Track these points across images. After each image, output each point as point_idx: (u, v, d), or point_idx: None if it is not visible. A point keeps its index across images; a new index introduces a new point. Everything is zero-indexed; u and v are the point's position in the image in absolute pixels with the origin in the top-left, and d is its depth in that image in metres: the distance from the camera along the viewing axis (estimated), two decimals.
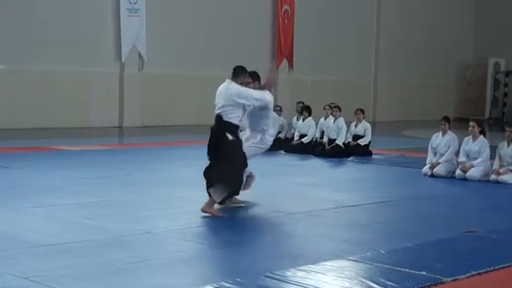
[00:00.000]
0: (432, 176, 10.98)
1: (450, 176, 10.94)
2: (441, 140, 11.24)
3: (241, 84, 7.69)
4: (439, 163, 11.05)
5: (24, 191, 8.50)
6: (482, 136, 10.88)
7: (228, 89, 7.60)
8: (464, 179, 10.64)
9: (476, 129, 10.83)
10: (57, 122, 18.14)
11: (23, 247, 5.80)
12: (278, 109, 15.07)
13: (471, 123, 10.94)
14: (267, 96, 7.78)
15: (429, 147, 11.37)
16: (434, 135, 11.38)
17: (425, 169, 11.14)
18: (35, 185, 8.89)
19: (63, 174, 9.90)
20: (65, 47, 18.28)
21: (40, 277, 4.91)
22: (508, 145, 10.54)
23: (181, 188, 9.05)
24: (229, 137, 7.37)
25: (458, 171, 10.81)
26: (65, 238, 6.11)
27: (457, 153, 11.11)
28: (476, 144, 10.79)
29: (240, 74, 7.78)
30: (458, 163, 10.98)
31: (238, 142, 7.51)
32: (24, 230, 6.40)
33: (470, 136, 10.89)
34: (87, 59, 18.77)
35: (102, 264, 5.36)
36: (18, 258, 5.45)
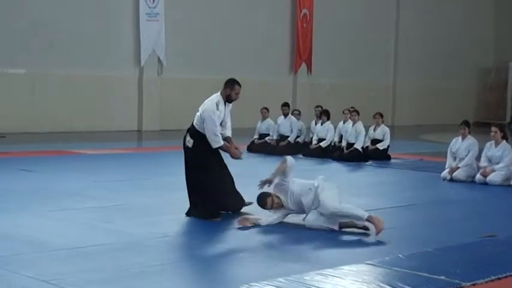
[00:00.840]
0: (451, 180, 10.92)
1: (470, 181, 10.87)
2: (461, 145, 11.17)
3: (227, 95, 7.64)
4: (458, 167, 10.99)
5: (44, 194, 8.57)
6: (504, 141, 10.81)
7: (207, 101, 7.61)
8: (485, 184, 10.57)
9: (499, 135, 10.75)
10: (77, 126, 18.28)
11: (42, 251, 5.85)
12: (297, 113, 15.09)
13: (493, 129, 10.85)
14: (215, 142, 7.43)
15: (448, 151, 11.30)
16: (454, 140, 11.31)
17: (445, 173, 11.08)
18: (55, 189, 8.96)
19: (82, 178, 9.97)
20: (85, 52, 18.43)
21: (59, 280, 4.95)
22: None
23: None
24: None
25: (478, 176, 10.73)
26: (84, 242, 6.16)
27: (477, 158, 11.04)
28: (499, 150, 10.71)
29: (225, 86, 7.75)
30: (478, 168, 10.90)
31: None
32: (44, 234, 6.46)
33: (493, 141, 10.81)
34: (106, 63, 18.90)
35: (121, 267, 5.39)
36: (37, 262, 5.50)
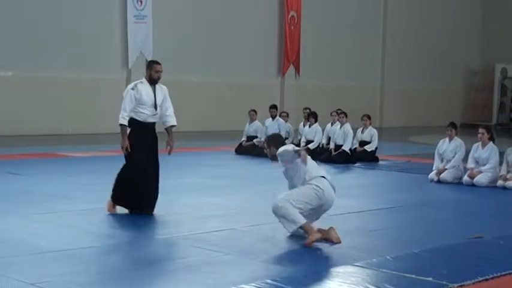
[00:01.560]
0: (439, 181, 10.97)
1: (457, 182, 10.92)
2: (448, 146, 11.22)
3: (149, 76, 7.68)
4: (445, 169, 11.04)
5: (32, 197, 8.54)
6: (491, 143, 10.86)
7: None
8: (472, 185, 10.62)
9: (486, 136, 10.81)
10: (64, 128, 18.20)
11: (30, 253, 5.82)
12: (285, 115, 15.12)
13: (481, 130, 10.91)
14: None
15: (436, 153, 11.35)
16: (441, 141, 11.36)
17: (432, 175, 11.13)
18: (43, 192, 8.92)
19: (69, 181, 9.93)
20: (72, 54, 18.36)
21: (47, 283, 4.93)
22: None
23: (185, 194, 9.06)
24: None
25: (465, 178, 10.79)
26: (72, 244, 6.13)
27: (464, 159, 11.09)
28: (486, 151, 10.77)
29: (146, 69, 7.81)
30: (465, 169, 10.96)
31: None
32: (32, 236, 6.43)
33: (480, 143, 10.87)
34: (94, 65, 18.84)
35: (107, 270, 5.37)
36: (25, 265, 5.48)
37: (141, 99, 7.56)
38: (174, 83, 20.48)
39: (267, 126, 14.82)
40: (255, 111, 15.11)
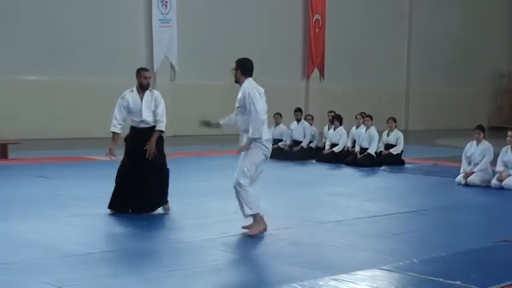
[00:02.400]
0: (466, 185, 10.88)
1: (484, 186, 10.82)
2: (475, 149, 11.13)
3: (139, 83, 8.00)
4: (473, 172, 10.94)
5: (59, 201, 8.62)
6: None
7: None
8: (500, 188, 10.52)
9: None
10: (92, 132, 18.37)
11: (58, 256, 5.89)
12: (310, 118, 15.09)
13: (510, 133, 10.78)
14: None
15: (463, 156, 11.26)
16: (469, 144, 11.27)
17: (459, 178, 11.04)
18: (70, 195, 9.01)
19: (98, 184, 10.01)
20: (98, 58, 18.54)
21: (75, 286, 4.97)
22: None
23: (212, 198, 9.09)
24: None
25: (494, 181, 10.69)
26: (100, 247, 6.19)
27: (493, 162, 10.99)
28: None
29: (136, 77, 8.08)
30: (493, 172, 10.85)
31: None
32: (59, 240, 6.49)
33: (509, 146, 10.76)
34: (119, 69, 18.98)
35: (135, 272, 5.41)
36: (53, 267, 5.54)
37: (129, 107, 8.05)
38: (199, 86, 20.65)
39: (292, 129, 14.81)
40: (280, 114, 15.11)
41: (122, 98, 8.10)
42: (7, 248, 6.14)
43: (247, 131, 7.01)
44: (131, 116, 8.04)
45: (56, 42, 17.76)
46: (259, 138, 6.87)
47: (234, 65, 7.26)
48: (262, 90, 7.16)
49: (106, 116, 18.93)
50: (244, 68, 7.21)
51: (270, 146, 7.08)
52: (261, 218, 6.91)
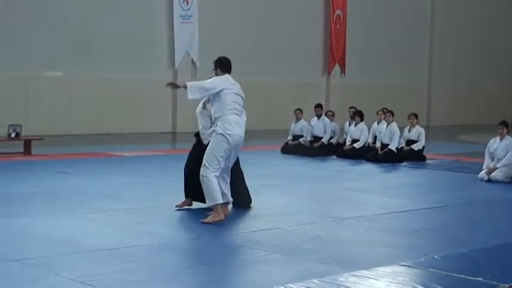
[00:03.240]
0: (489, 181, 10.80)
1: (508, 181, 10.73)
2: (499, 145, 11.03)
3: None
4: (496, 168, 10.85)
5: (82, 196, 8.69)
6: None
7: None
8: None
9: None
10: (113, 128, 18.50)
11: (80, 252, 5.94)
12: (330, 114, 15.05)
13: None
14: None
15: (486, 152, 11.17)
16: (492, 140, 11.18)
17: (482, 174, 10.95)
18: (92, 191, 9.08)
19: (118, 180, 10.09)
20: (119, 54, 18.63)
21: (96, 281, 5.01)
22: None
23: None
24: None
25: None
26: (121, 243, 6.23)
27: None
28: None
29: None
30: None
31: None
32: (82, 235, 6.55)
33: None
34: (141, 65, 19.09)
35: (157, 268, 5.44)
36: (75, 263, 5.58)
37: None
38: None
39: (312, 125, 14.78)
40: (300, 110, 15.09)
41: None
42: (29, 243, 6.21)
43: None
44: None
45: (77, 39, 17.88)
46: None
47: (212, 65, 7.58)
48: (238, 84, 7.55)
49: (125, 112, 19.21)
50: (223, 66, 7.52)
51: (233, 136, 7.23)
52: (222, 208, 7.22)
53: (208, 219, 7.14)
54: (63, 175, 10.53)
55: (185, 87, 7.26)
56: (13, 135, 13.14)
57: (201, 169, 7.20)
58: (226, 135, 7.20)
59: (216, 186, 7.19)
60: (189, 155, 8.12)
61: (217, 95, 7.32)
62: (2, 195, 8.55)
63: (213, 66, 7.60)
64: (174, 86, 7.62)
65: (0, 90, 16.90)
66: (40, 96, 17.44)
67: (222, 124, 7.23)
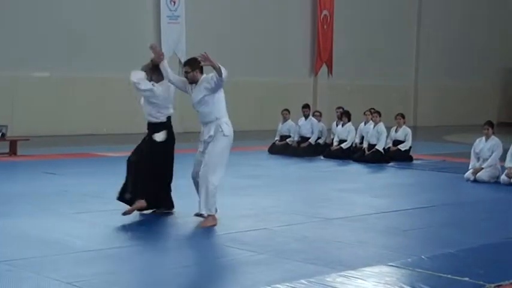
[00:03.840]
0: (475, 181, 10.84)
1: (494, 182, 10.79)
2: (485, 145, 11.08)
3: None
4: (482, 168, 10.90)
5: (67, 197, 8.65)
6: None
7: None
8: (510, 184, 10.47)
9: None
10: (100, 128, 18.42)
11: (66, 253, 5.90)
12: (318, 114, 15.06)
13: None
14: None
15: (472, 152, 11.23)
16: (478, 140, 11.23)
17: (468, 174, 11.00)
18: (78, 191, 9.03)
19: (105, 181, 10.04)
20: (107, 54, 18.56)
21: (83, 282, 4.98)
22: None
23: (218, 194, 9.07)
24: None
25: (503, 177, 10.64)
26: (108, 244, 6.20)
27: (502, 158, 10.94)
28: None
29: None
30: (503, 168, 10.81)
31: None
32: (68, 236, 6.51)
33: None
34: (128, 65, 18.95)
35: (142, 270, 5.42)
36: (62, 264, 5.55)
37: None
38: None
39: (300, 125, 14.79)
40: (288, 110, 15.10)
41: None
42: (15, 244, 6.17)
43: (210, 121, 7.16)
44: None
45: (63, 38, 17.79)
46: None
47: (186, 67, 7.43)
48: None
49: (112, 113, 19.13)
50: (200, 67, 7.37)
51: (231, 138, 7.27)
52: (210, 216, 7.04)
53: (207, 223, 6.89)
54: (49, 176, 10.47)
55: (219, 68, 6.98)
56: None
57: (212, 177, 6.85)
58: (231, 137, 7.10)
59: (215, 195, 6.93)
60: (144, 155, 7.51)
61: (221, 93, 7.25)
62: None
63: (189, 68, 7.32)
64: (209, 62, 7.14)
65: None
66: (26, 96, 17.33)
67: (227, 125, 7.10)
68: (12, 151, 12.96)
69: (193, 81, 7.32)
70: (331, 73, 23.67)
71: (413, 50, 26.36)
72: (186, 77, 7.36)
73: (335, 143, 14.20)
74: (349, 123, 14.26)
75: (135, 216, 7.51)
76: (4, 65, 16.89)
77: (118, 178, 10.33)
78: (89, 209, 7.81)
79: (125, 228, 6.92)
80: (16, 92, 17.21)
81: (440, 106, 26.45)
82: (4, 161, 12.34)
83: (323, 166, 13.00)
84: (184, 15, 19.81)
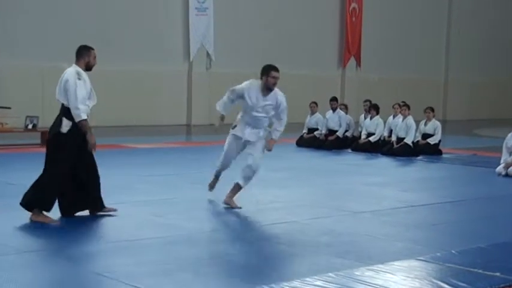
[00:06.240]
0: (507, 175, 10.70)
1: None
2: None
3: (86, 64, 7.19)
4: None
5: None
6: None
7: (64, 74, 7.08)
8: None
9: None
10: (127, 120, 18.54)
11: (96, 243, 5.95)
12: (343, 107, 14.99)
13: None
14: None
15: (504, 146, 11.07)
16: (510, 134, 11.08)
17: (500, 168, 10.86)
18: (106, 183, 9.05)
19: (133, 172, 10.10)
20: (134, 47, 18.66)
21: (112, 273, 5.01)
22: None
23: (247, 186, 9.07)
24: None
25: None
26: (137, 235, 6.23)
27: None
28: None
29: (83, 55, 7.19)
30: None
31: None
32: (97, 227, 6.57)
33: None
34: (156, 57, 19.10)
35: (172, 260, 5.43)
36: (91, 255, 5.59)
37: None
38: (234, 75, 20.61)
39: (327, 118, 14.73)
40: (315, 103, 15.04)
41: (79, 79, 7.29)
42: (47, 233, 6.21)
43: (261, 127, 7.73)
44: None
45: (91, 31, 17.90)
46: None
47: (277, 74, 7.76)
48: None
49: (140, 104, 19.22)
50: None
51: None
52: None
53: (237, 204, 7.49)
54: None
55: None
56: (30, 126, 13.19)
57: (260, 161, 7.60)
58: None
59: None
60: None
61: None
62: (19, 186, 8.58)
63: (278, 76, 7.73)
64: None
65: (18, 81, 16.98)
66: (54, 87, 17.46)
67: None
68: (44, 142, 13.09)
69: (271, 89, 7.63)
70: (360, 66, 23.52)
71: (444, 42, 26.08)
72: (275, 83, 7.63)
73: (363, 136, 14.12)
74: (377, 116, 14.16)
75: (164, 207, 7.54)
76: (35, 56, 17.06)
77: (146, 169, 10.40)
78: (116, 201, 7.82)
79: (154, 220, 6.94)
80: (46, 83, 17.38)
81: (471, 100, 26.14)
82: (35, 151, 12.47)
83: (351, 159, 12.92)
84: (212, 7, 19.82)
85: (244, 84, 7.75)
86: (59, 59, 17.56)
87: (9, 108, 14.21)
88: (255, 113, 7.65)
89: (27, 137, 13.25)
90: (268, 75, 7.56)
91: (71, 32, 17.58)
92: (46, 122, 14.92)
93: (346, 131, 14.59)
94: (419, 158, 13.01)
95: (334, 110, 14.72)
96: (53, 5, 17.40)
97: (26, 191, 6.73)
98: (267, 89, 7.63)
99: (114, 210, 7.01)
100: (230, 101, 7.78)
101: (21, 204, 6.65)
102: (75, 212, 6.85)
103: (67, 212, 6.78)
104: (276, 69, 7.68)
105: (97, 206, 6.95)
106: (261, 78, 7.65)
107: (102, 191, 7.05)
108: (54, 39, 17.30)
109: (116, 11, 18.36)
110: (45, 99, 17.26)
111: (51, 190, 6.61)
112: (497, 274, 5.13)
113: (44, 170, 6.74)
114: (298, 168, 11.46)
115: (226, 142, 7.92)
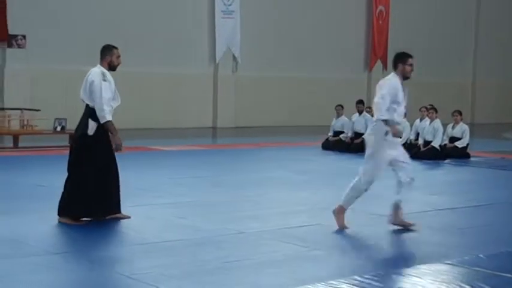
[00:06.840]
0: None
1: None
2: None
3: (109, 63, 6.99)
4: None
5: (122, 190, 8.73)
6: None
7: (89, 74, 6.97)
8: None
9: None
10: (153, 122, 18.63)
11: (122, 246, 5.98)
12: (369, 110, 14.89)
13: None
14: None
15: None
16: None
17: None
18: (132, 185, 9.12)
19: (158, 174, 10.14)
20: (161, 49, 18.77)
21: (139, 275, 5.02)
22: None
23: (272, 189, 9.07)
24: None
25: None
26: (162, 237, 6.24)
27: None
28: None
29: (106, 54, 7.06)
30: None
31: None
32: (124, 229, 6.59)
33: None
34: (182, 60, 19.19)
35: (197, 263, 5.43)
36: (119, 257, 5.62)
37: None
38: (261, 78, 20.64)
39: (353, 121, 14.66)
40: (341, 106, 14.98)
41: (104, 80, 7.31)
42: (70, 236, 6.26)
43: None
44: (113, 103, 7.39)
45: (118, 34, 18.04)
46: None
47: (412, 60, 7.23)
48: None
49: (166, 107, 19.28)
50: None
51: None
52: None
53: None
54: None
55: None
56: (58, 128, 13.32)
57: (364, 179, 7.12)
58: None
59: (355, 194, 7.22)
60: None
61: None
62: (48, 188, 8.67)
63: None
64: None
65: (46, 83, 17.17)
66: (78, 90, 17.61)
67: None
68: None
69: (409, 78, 7.23)
70: (386, 69, 23.35)
71: (472, 46, 25.82)
72: (412, 70, 7.24)
73: None
74: (404, 120, 14.02)
75: (189, 209, 7.55)
76: (61, 60, 17.23)
77: (172, 172, 10.43)
78: (143, 203, 7.89)
79: (179, 222, 6.95)
80: (73, 85, 17.54)
81: (499, 103, 25.83)
82: (65, 153, 12.57)
83: None
84: (239, 10, 19.85)
85: (388, 85, 7.13)
86: (84, 63, 17.74)
87: (38, 110, 14.38)
88: (403, 108, 7.08)
89: (56, 139, 13.37)
90: (405, 62, 7.07)
91: (98, 36, 17.70)
92: (75, 124, 15.13)
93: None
94: (446, 161, 12.89)
95: (360, 112, 14.64)
96: (78, 8, 17.55)
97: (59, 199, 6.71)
98: (404, 78, 7.12)
99: (128, 217, 6.96)
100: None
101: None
102: (103, 216, 6.85)
103: (92, 215, 6.81)
104: (411, 56, 7.14)
105: (115, 210, 6.93)
106: (395, 68, 7.13)
107: (126, 192, 7.05)
108: (79, 43, 17.45)
109: (142, 14, 18.48)
110: (73, 101, 17.44)
111: (77, 197, 6.63)
112: None
113: (70, 173, 6.74)
114: (323, 171, 11.42)
115: (380, 151, 7.23)
